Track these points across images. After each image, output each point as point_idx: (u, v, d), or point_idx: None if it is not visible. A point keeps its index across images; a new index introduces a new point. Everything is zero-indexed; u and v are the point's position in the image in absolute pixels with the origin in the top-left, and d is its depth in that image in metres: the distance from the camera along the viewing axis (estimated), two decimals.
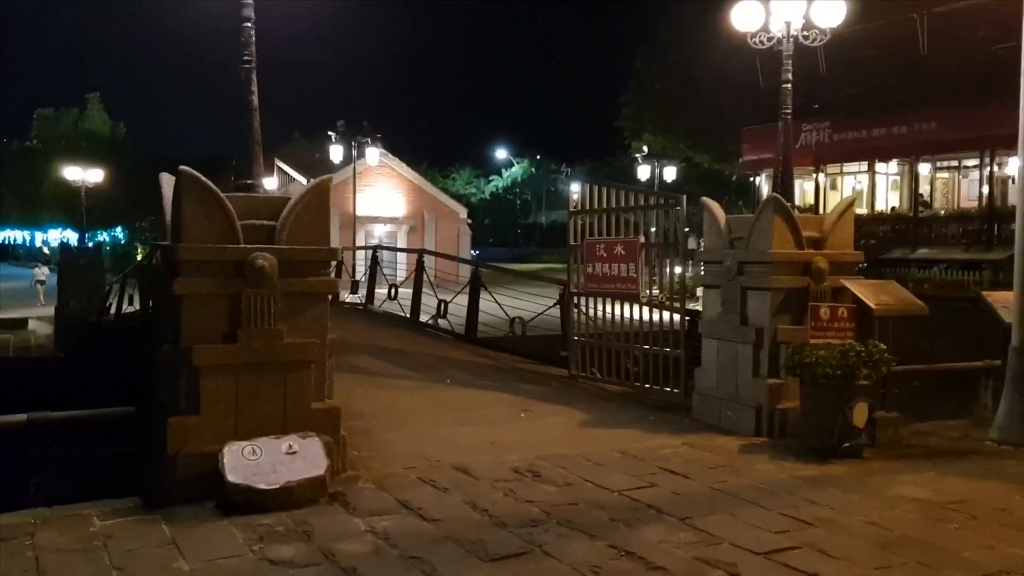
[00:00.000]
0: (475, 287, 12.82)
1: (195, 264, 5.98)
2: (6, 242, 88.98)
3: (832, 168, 30.33)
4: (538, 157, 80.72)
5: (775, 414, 7.89)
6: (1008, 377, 8.07)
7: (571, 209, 10.48)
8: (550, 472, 6.53)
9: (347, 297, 17.45)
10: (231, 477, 5.59)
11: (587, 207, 10.23)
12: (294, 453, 5.89)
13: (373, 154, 33.02)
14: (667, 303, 9.34)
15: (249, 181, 6.54)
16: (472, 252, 47.97)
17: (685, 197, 9.14)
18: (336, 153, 32.13)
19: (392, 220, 42.84)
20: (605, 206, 9.97)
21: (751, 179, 33.48)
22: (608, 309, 10.01)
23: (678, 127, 38.48)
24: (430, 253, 15.90)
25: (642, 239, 9.50)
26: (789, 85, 8.47)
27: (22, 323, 23.24)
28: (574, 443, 7.52)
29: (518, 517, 5.47)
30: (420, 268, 14.61)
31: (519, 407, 8.81)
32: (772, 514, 5.61)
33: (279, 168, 43.86)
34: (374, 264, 16.54)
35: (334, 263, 7.35)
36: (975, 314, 10.01)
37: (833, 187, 30.79)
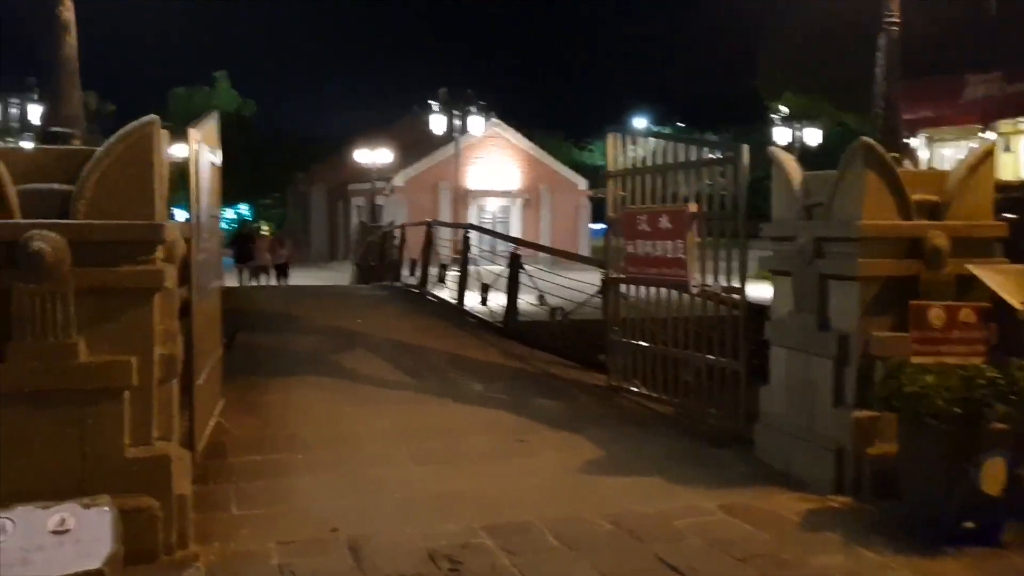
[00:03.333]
0: (514, 272, 10.56)
1: None
2: None
3: (1005, 126, 25.75)
4: (680, 124, 76.52)
5: (864, 462, 5.33)
6: None
7: (608, 170, 8.06)
8: (482, 562, 4.29)
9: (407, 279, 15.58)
10: None
11: (625, 166, 7.81)
12: (64, 532, 3.90)
13: (477, 123, 30.97)
14: (724, 294, 6.82)
15: (56, 128, 4.55)
16: (593, 227, 45.26)
17: (746, 148, 6.58)
18: (438, 124, 30.30)
19: (505, 194, 40.75)
20: (646, 164, 7.53)
21: (906, 140, 29.41)
22: (653, 299, 7.59)
23: (821, 85, 34.52)
24: (476, 229, 13.57)
25: (692, 207, 7.01)
26: None
27: None
28: (556, 499, 5.25)
29: None
30: (466, 246, 12.49)
31: (517, 433, 6.57)
32: None
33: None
34: (427, 242, 14.54)
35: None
36: None
37: (1008, 149, 26.20)
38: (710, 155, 6.97)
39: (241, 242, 24.71)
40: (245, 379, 7.91)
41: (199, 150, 5.47)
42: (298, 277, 25.20)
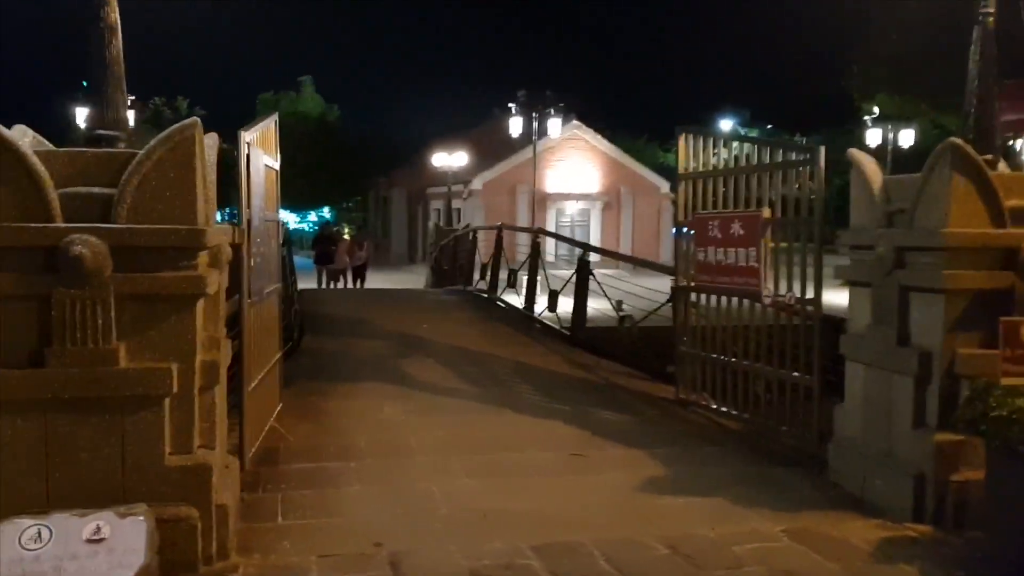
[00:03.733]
0: (582, 277, 10.28)
1: None
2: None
3: None
4: (769, 127, 74.66)
5: (947, 490, 4.92)
6: None
7: (679, 171, 7.73)
8: None
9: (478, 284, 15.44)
10: None
11: (697, 168, 7.49)
12: (99, 541, 3.82)
13: (556, 125, 30.75)
14: (798, 305, 6.44)
15: (102, 131, 4.50)
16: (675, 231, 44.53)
17: (823, 149, 6.20)
18: (516, 126, 30.20)
19: (584, 196, 40.32)
20: (719, 166, 7.20)
21: (1010, 142, 27.96)
22: (724, 309, 7.25)
23: (918, 85, 33.13)
24: (546, 233, 13.24)
25: (766, 213, 6.66)
26: None
27: None
28: (611, 520, 4.99)
29: None
30: (535, 251, 12.27)
31: (575, 447, 6.32)
32: None
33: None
34: (498, 246, 14.37)
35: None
36: None
37: None
38: (787, 156, 6.58)
39: (322, 244, 24.73)
40: (306, 383, 7.88)
41: (250, 152, 5.40)
42: (375, 280, 25.33)
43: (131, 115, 28.29)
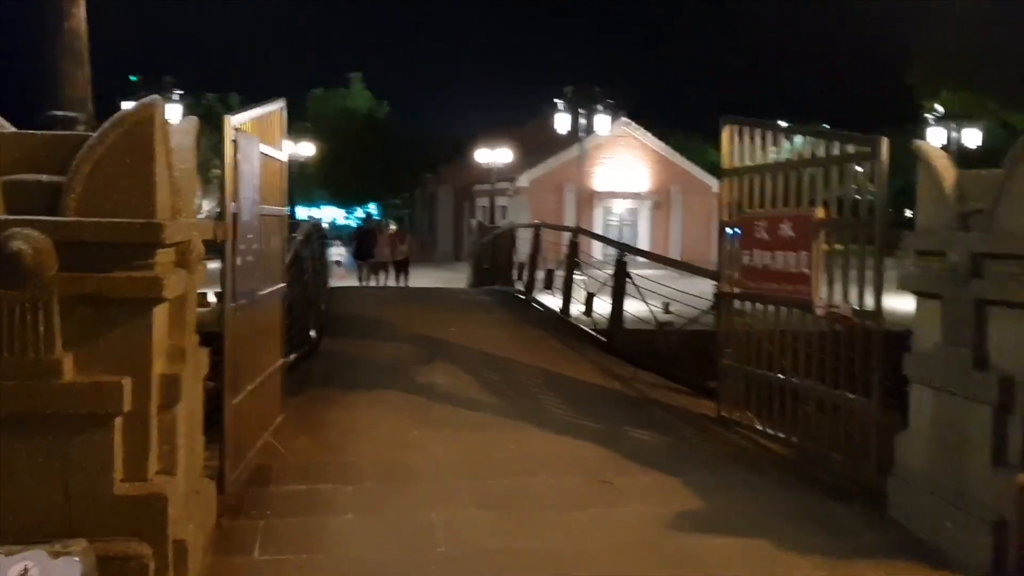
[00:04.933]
0: (619, 280, 9.58)
1: None
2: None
3: None
4: (825, 126, 72.90)
5: None
6: None
7: (723, 167, 7.02)
8: None
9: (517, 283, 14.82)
10: None
11: (743, 162, 6.78)
12: None
13: (603, 122, 30.02)
14: (855, 318, 5.70)
15: (57, 112, 3.97)
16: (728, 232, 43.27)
17: (886, 140, 5.46)
18: (563, 123, 29.51)
19: (633, 195, 39.38)
20: (767, 160, 6.49)
21: None
22: (772, 319, 6.53)
23: (984, 81, 31.71)
24: (584, 232, 12.51)
25: (819, 213, 5.93)
26: None
27: None
28: (636, 563, 4.34)
29: None
30: (572, 251, 11.59)
31: (602, 472, 5.66)
32: None
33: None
34: (535, 246, 13.74)
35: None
36: None
37: None
38: (843, 149, 5.85)
39: (362, 238, 24.12)
40: (315, 391, 7.36)
41: (239, 140, 4.85)
42: (418, 278, 24.77)
43: (179, 110, 28.00)
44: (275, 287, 6.05)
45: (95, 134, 3.63)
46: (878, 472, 5.41)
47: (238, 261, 4.87)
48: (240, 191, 4.88)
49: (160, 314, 3.80)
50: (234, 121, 4.81)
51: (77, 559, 3.36)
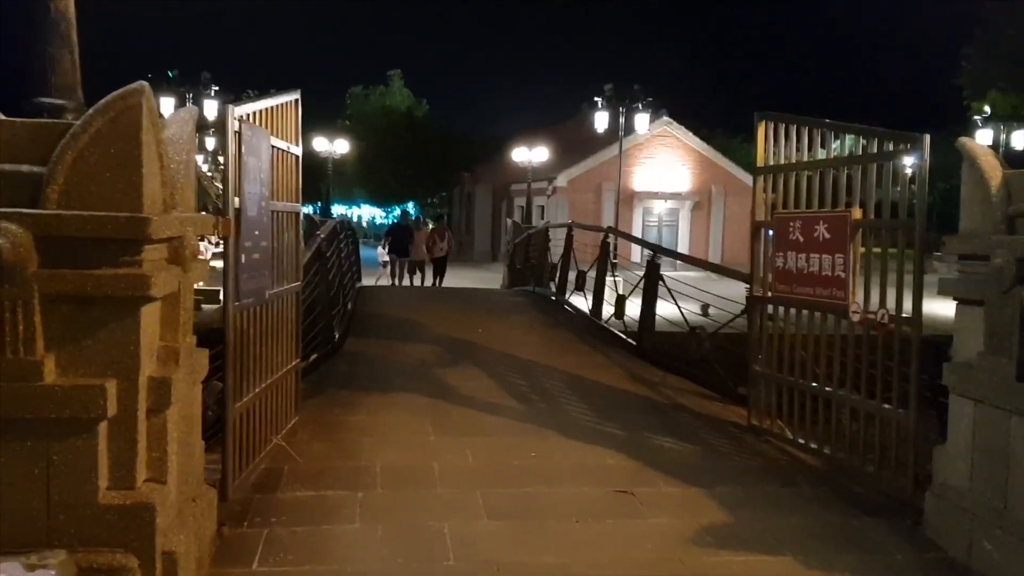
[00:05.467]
0: (651, 282, 9.27)
1: None
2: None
3: None
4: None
5: None
6: None
7: (756, 165, 6.70)
8: None
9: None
10: None
11: (777, 160, 6.46)
12: None
13: (643, 121, 29.49)
14: (891, 324, 5.36)
15: (43, 99, 3.81)
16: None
17: (928, 138, 5.13)
18: (602, 121, 29.07)
19: (673, 196, 38.79)
20: (802, 158, 6.16)
21: None
22: (805, 325, 6.21)
23: None
24: (616, 233, 12.09)
25: (856, 213, 5.61)
26: None
27: None
28: None
29: None
30: (604, 252, 11.30)
31: (624, 483, 5.40)
32: None
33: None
34: (568, 246, 13.46)
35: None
36: None
37: None
38: (883, 147, 5.52)
39: (397, 235, 23.12)
40: (334, 393, 7.19)
41: (243, 131, 4.67)
42: (453, 278, 24.43)
43: (215, 106, 27.92)
44: (288, 286, 5.88)
45: (79, 121, 3.46)
46: (914, 487, 5.09)
47: (242, 259, 4.69)
48: (244, 185, 4.70)
49: (149, 313, 3.62)
50: (237, 111, 4.62)
51: (53, 572, 3.20)
